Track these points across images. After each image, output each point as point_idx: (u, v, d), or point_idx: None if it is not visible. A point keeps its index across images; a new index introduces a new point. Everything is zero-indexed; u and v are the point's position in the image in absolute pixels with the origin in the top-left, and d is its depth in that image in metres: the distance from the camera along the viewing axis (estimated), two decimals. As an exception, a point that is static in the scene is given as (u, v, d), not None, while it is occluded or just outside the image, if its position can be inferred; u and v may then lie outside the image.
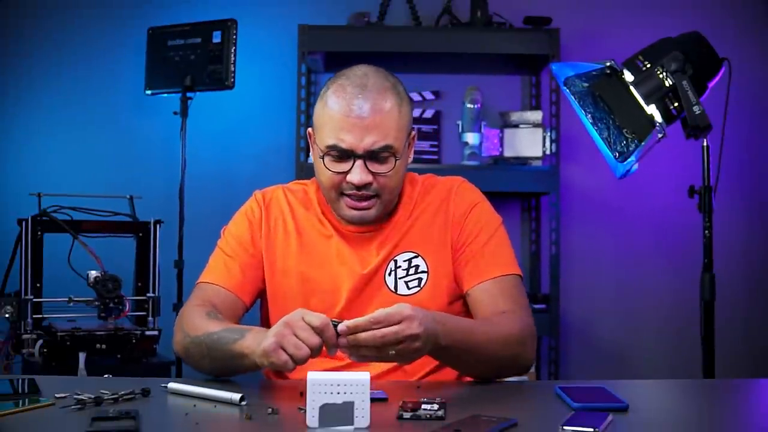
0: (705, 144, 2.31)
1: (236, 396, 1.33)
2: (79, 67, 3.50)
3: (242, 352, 1.44)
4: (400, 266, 1.69)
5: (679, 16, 3.43)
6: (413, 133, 1.70)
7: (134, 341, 2.44)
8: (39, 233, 2.50)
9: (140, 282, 2.63)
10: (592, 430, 1.14)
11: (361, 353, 1.36)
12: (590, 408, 1.28)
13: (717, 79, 2.33)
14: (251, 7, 3.47)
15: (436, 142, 3.51)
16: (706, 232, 2.31)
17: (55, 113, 3.50)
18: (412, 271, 1.69)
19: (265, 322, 1.75)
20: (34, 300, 2.44)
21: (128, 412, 1.21)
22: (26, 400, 1.31)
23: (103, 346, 2.40)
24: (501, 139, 3.28)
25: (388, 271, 1.69)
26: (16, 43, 3.50)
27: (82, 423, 1.18)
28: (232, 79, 3.10)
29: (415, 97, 3.52)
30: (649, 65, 2.28)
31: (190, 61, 3.14)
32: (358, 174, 1.60)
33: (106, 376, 1.62)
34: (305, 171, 3.18)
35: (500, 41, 3.28)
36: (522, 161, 3.29)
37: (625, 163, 2.27)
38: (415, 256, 1.69)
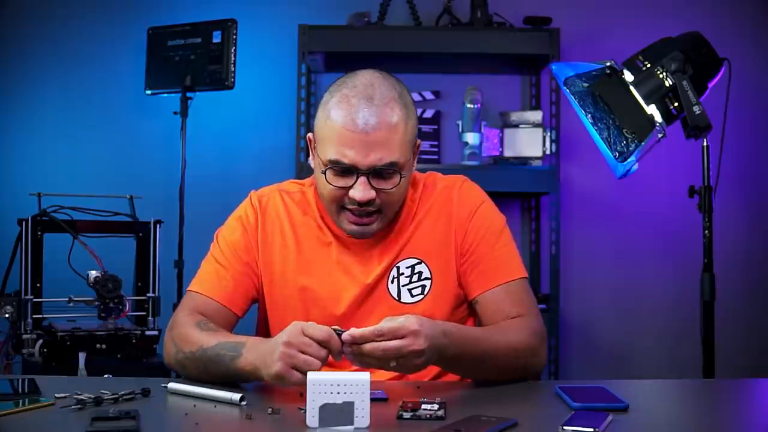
0: (705, 144, 2.32)
1: (236, 396, 1.33)
2: (79, 68, 3.50)
3: (244, 369, 1.41)
4: (403, 273, 1.65)
5: (679, 16, 3.43)
6: (418, 141, 1.63)
7: (134, 341, 2.44)
8: (39, 233, 2.50)
9: (140, 282, 2.63)
10: (592, 430, 1.14)
11: (364, 361, 1.34)
12: (590, 408, 1.28)
13: (717, 79, 2.33)
14: (251, 7, 3.47)
15: (436, 142, 3.51)
16: (706, 232, 2.32)
17: (55, 113, 3.50)
18: (415, 278, 1.65)
19: (263, 327, 1.71)
20: (34, 300, 2.44)
21: (128, 412, 1.21)
22: (26, 400, 1.32)
23: (103, 346, 2.40)
24: (501, 139, 3.28)
25: (390, 279, 1.65)
26: (16, 43, 3.50)
27: (82, 423, 1.18)
28: (232, 79, 3.10)
29: (415, 97, 3.52)
30: (649, 65, 2.28)
31: (190, 61, 3.14)
32: (360, 191, 1.53)
33: (106, 376, 1.62)
34: (305, 171, 3.18)
35: (500, 41, 3.28)
36: (522, 161, 3.29)
37: (625, 163, 2.28)
38: (418, 263, 1.65)
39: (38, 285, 2.49)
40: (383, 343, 1.32)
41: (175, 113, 3.13)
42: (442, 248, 1.66)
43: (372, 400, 1.20)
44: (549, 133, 3.26)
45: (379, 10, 3.37)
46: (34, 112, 3.51)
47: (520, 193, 3.45)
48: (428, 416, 1.24)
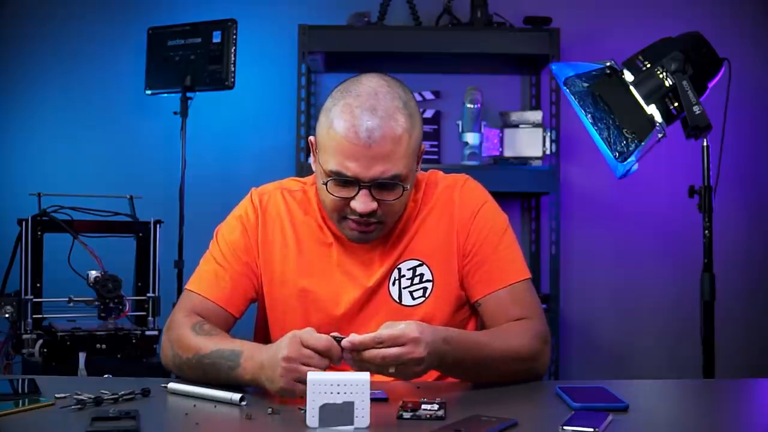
0: (705, 144, 2.32)
1: (236, 396, 1.33)
2: (79, 68, 3.50)
3: (243, 378, 1.39)
4: (404, 275, 1.63)
5: (679, 16, 3.43)
6: (422, 147, 1.60)
7: (134, 341, 2.44)
8: (39, 233, 2.50)
9: (140, 282, 2.63)
10: (592, 430, 1.14)
11: (363, 367, 1.33)
12: (590, 408, 1.28)
13: (717, 79, 2.33)
14: (251, 7, 3.47)
15: (436, 142, 3.51)
16: (706, 232, 2.32)
17: (55, 113, 3.50)
18: (416, 280, 1.63)
19: (262, 327, 1.70)
20: (34, 300, 2.44)
21: (128, 412, 1.21)
22: (26, 400, 1.31)
23: (103, 346, 2.40)
24: (501, 139, 3.28)
25: (392, 281, 1.63)
26: (16, 43, 3.50)
27: (82, 423, 1.18)
28: (232, 79, 3.10)
29: (416, 97, 3.51)
30: (649, 65, 2.28)
31: (190, 61, 3.14)
32: (362, 203, 1.51)
33: (106, 376, 1.62)
34: (305, 171, 3.18)
35: (500, 41, 3.28)
36: (522, 161, 3.29)
37: (625, 163, 2.28)
38: (420, 264, 1.64)
39: (38, 285, 2.49)
40: (383, 350, 1.31)
41: (175, 113, 3.13)
42: (444, 250, 1.65)
43: (372, 400, 1.20)
44: (549, 133, 3.26)
45: (379, 10, 3.37)
46: (34, 112, 3.51)
47: (520, 193, 3.45)
48: (428, 416, 1.24)
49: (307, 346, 1.31)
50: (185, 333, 1.53)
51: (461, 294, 1.66)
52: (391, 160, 1.49)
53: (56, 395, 1.33)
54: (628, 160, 2.28)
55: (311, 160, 1.63)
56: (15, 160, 3.49)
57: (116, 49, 3.50)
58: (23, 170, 3.46)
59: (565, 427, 1.15)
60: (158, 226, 2.64)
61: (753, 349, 3.46)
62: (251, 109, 3.53)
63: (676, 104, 2.25)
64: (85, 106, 3.50)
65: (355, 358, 1.33)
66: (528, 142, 3.26)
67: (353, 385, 1.18)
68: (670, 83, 2.24)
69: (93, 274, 2.45)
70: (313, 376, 1.19)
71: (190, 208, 3.13)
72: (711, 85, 2.32)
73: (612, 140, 2.29)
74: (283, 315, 1.65)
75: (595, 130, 2.31)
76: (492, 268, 1.63)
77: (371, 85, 1.52)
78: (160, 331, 2.49)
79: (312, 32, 3.24)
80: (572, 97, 2.32)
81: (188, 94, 3.13)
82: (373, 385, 1.23)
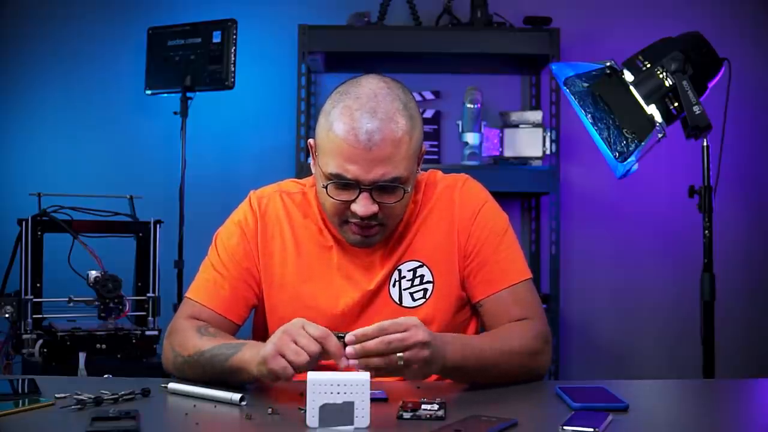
0: (705, 144, 2.32)
1: (236, 396, 1.33)
2: (79, 68, 3.50)
3: (239, 366, 1.40)
4: (404, 276, 1.63)
5: (679, 16, 3.43)
6: (423, 148, 1.59)
7: (134, 341, 2.44)
8: (39, 233, 2.50)
9: (140, 282, 2.63)
10: (592, 430, 1.14)
11: (370, 363, 1.31)
12: (590, 408, 1.28)
13: (717, 79, 2.33)
14: (251, 7, 3.47)
15: (436, 142, 3.51)
16: (706, 232, 2.32)
17: (55, 113, 3.50)
18: (417, 281, 1.63)
19: (260, 333, 1.70)
20: (34, 300, 2.45)
21: (128, 412, 1.21)
22: (26, 400, 1.31)
23: (103, 346, 2.40)
24: (501, 139, 3.28)
25: (392, 282, 1.63)
26: (16, 43, 3.50)
27: (82, 423, 1.17)
28: (232, 79, 3.10)
29: (416, 97, 3.51)
30: (649, 65, 2.28)
31: (190, 61, 3.14)
32: (362, 206, 1.50)
33: (106, 376, 1.62)
34: (305, 171, 3.18)
35: (500, 41, 3.28)
36: (522, 161, 3.29)
37: (625, 163, 2.28)
38: (420, 266, 1.63)
39: (38, 285, 2.49)
40: (387, 336, 1.31)
41: (175, 113, 3.13)
42: (444, 251, 1.64)
43: (372, 400, 1.20)
44: (549, 133, 3.26)
45: (379, 10, 3.37)
46: (34, 112, 3.51)
47: (520, 193, 3.46)
48: (428, 416, 1.24)
49: (305, 329, 1.33)
50: (189, 335, 1.53)
51: (462, 295, 1.65)
52: (392, 163, 1.48)
53: (56, 395, 1.33)
54: (628, 160, 2.28)
55: (311, 162, 1.62)
56: (15, 160, 3.49)
57: (116, 49, 3.50)
58: (23, 170, 3.46)
59: (565, 427, 1.15)
60: (158, 226, 2.64)
61: (753, 349, 3.46)
62: (251, 109, 3.53)
63: (676, 104, 2.26)
64: (85, 106, 3.50)
65: (359, 351, 1.31)
66: (528, 142, 3.26)
67: (353, 385, 1.18)
68: (670, 83, 2.24)
69: (93, 274, 2.45)
70: (313, 376, 1.19)
71: (190, 208, 3.13)
72: (711, 85, 2.32)
73: (612, 140, 2.29)
74: (282, 320, 1.63)
75: (595, 130, 2.31)
76: (493, 268, 1.63)
77: (371, 86, 1.51)
78: (160, 331, 2.49)
79: (312, 32, 3.24)
80: (572, 97, 2.32)
81: (188, 94, 3.13)
82: (373, 385, 1.22)
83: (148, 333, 2.47)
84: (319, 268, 1.64)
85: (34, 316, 2.43)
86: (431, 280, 1.64)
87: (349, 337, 1.32)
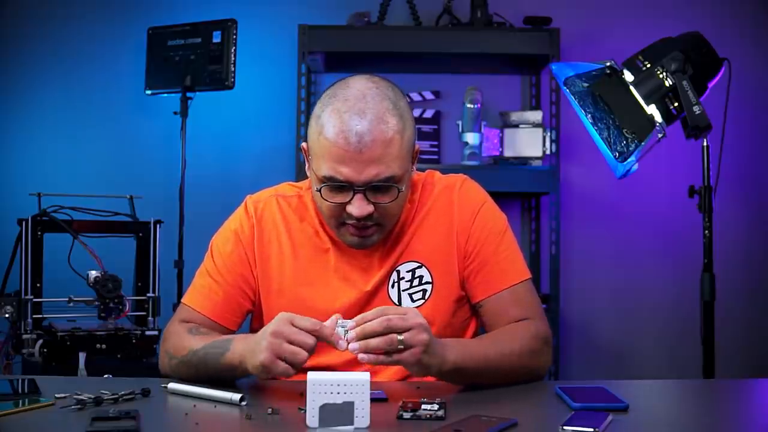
0: (705, 144, 2.32)
1: (236, 396, 1.33)
2: (79, 67, 3.50)
3: (232, 364, 1.41)
4: (403, 277, 1.63)
5: (679, 16, 3.43)
6: (417, 147, 1.59)
7: (134, 341, 2.44)
8: (39, 233, 2.50)
9: (140, 282, 2.63)
10: (592, 430, 1.14)
11: (370, 344, 1.32)
12: (590, 408, 1.28)
13: (717, 79, 2.33)
14: (251, 7, 3.47)
15: (436, 142, 3.51)
16: (706, 232, 2.32)
17: (55, 113, 3.50)
18: (416, 282, 1.63)
19: None
20: (34, 300, 2.45)
21: (128, 412, 1.21)
22: (26, 400, 1.32)
23: (103, 346, 2.40)
24: (501, 139, 3.28)
25: (391, 284, 1.63)
26: (16, 43, 3.50)
27: (82, 423, 1.18)
28: (232, 79, 3.10)
29: (415, 97, 3.52)
30: (649, 65, 2.28)
31: (190, 61, 3.14)
32: (357, 207, 1.50)
33: (106, 376, 1.63)
34: (305, 171, 3.17)
35: (500, 41, 3.28)
36: (522, 161, 3.29)
37: (625, 163, 2.28)
38: (419, 266, 1.63)
39: (38, 285, 2.49)
40: (387, 317, 1.33)
41: (175, 113, 3.13)
42: (443, 251, 1.64)
43: (372, 400, 1.20)
44: (549, 133, 3.26)
45: (379, 10, 3.37)
46: (34, 112, 3.51)
47: (520, 193, 3.46)
48: (428, 416, 1.24)
49: (295, 326, 1.34)
50: (182, 337, 1.55)
51: (461, 295, 1.65)
52: (384, 163, 1.48)
53: (56, 395, 1.33)
54: (628, 160, 2.28)
55: (306, 166, 1.62)
56: (15, 160, 3.49)
57: (116, 49, 3.50)
58: (23, 170, 3.46)
59: (565, 427, 1.15)
60: (158, 226, 2.64)
61: (753, 349, 3.46)
62: (251, 109, 3.53)
63: (676, 104, 2.26)
64: (86, 106, 3.50)
65: (359, 333, 1.32)
66: (528, 142, 3.26)
67: (353, 385, 1.18)
68: (670, 83, 2.24)
69: (93, 274, 2.45)
70: (313, 376, 1.19)
71: (190, 208, 3.13)
72: (711, 85, 2.32)
73: (612, 140, 2.29)
74: None
75: (595, 130, 2.31)
76: (493, 269, 1.63)
77: (359, 87, 1.50)
78: (160, 331, 2.49)
79: (312, 32, 3.24)
80: (572, 97, 2.32)
81: (188, 94, 3.13)
82: (373, 385, 1.23)
83: (148, 333, 2.47)
84: (316, 271, 1.64)
85: (34, 316, 2.44)
86: (430, 280, 1.63)
87: (350, 324, 1.34)
